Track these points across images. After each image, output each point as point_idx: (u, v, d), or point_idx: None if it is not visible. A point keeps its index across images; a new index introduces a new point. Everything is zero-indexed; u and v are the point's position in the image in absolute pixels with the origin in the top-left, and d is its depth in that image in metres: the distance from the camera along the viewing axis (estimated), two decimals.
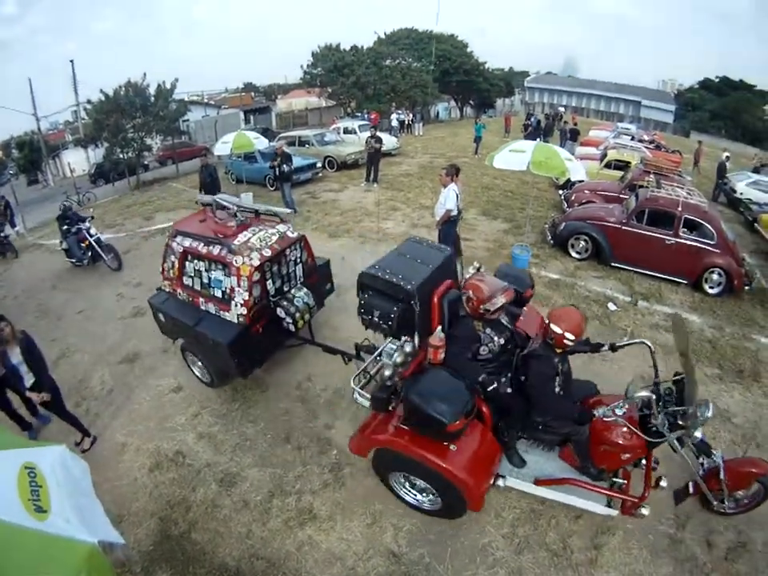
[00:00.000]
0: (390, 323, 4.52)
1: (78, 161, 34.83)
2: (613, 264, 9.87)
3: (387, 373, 4.59)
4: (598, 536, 4.52)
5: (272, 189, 17.44)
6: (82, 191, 22.88)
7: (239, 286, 5.82)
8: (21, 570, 2.26)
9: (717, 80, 64.38)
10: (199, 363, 6.74)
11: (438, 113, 55.31)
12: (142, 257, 12.36)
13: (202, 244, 6.19)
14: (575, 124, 26.13)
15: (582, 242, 10.20)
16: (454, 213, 8.75)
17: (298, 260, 6.74)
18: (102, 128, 23.59)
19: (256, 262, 5.82)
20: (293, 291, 6.50)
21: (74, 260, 11.67)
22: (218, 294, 6.18)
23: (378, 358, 5.31)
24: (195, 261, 6.36)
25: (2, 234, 14.00)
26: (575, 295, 8.55)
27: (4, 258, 13.87)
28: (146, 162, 29.74)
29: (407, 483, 4.80)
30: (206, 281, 6.30)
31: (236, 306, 5.93)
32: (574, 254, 10.36)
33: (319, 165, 18.93)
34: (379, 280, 4.56)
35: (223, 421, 6.26)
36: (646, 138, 25.67)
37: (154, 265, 11.33)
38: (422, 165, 20.73)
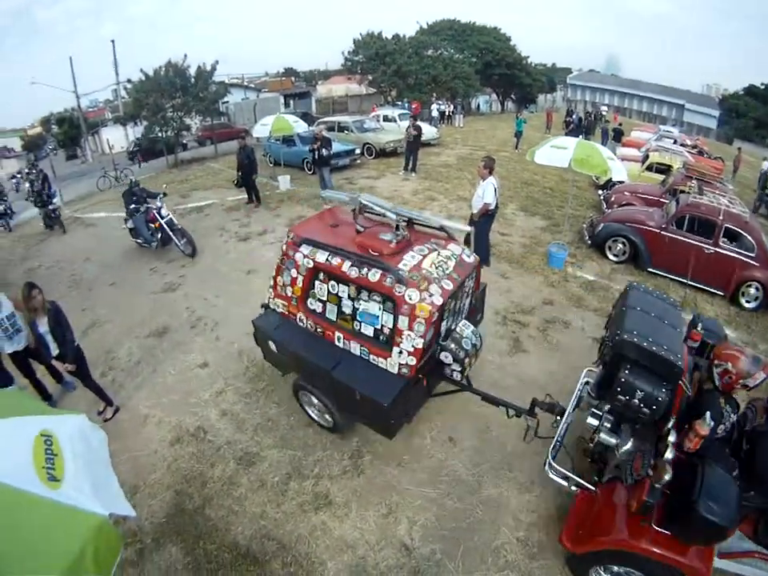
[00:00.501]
0: (654, 409, 3.64)
1: (116, 138, 35.36)
2: (649, 269, 9.49)
3: (662, 478, 3.30)
4: None
5: (309, 173, 17.33)
6: (120, 167, 23.15)
7: (411, 329, 4.37)
8: (29, 538, 2.16)
9: (763, 87, 61.97)
10: (320, 405, 5.37)
11: (478, 105, 54.72)
12: None
13: (350, 263, 4.67)
14: (620, 124, 25.49)
15: (620, 245, 9.84)
16: (492, 207, 8.56)
17: (470, 291, 5.45)
18: (142, 107, 23.81)
19: (438, 300, 4.39)
20: (459, 329, 5.06)
21: (140, 240, 11.01)
22: (368, 331, 4.79)
23: (565, 421, 4.52)
24: (333, 282, 4.92)
25: (51, 208, 14.00)
26: (610, 299, 8.21)
27: (51, 230, 14.03)
28: (184, 142, 30.01)
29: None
30: (347, 311, 4.88)
31: (401, 353, 4.49)
32: (610, 256, 10.00)
33: (358, 151, 18.78)
34: (644, 351, 3.68)
35: (247, 400, 6.16)
36: (688, 142, 24.78)
37: None
38: (461, 156, 20.43)
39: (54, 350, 5.54)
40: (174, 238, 10.60)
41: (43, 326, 5.40)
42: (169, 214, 10.74)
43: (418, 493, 4.83)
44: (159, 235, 10.60)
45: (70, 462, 2.50)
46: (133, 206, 10.72)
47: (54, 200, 14.24)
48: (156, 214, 10.52)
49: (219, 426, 5.78)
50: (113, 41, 35.59)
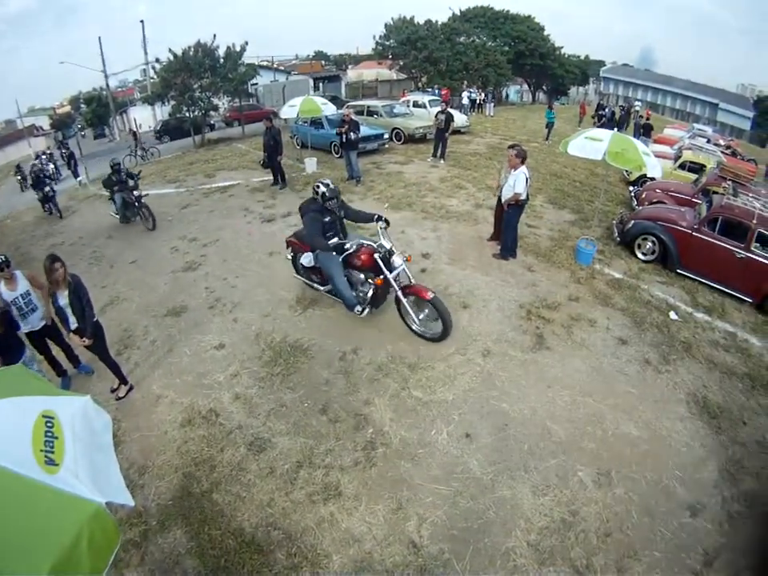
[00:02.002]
0: None
1: (144, 117, 35.69)
2: (678, 271, 9.12)
3: None
4: (624, 559, 4.11)
5: (337, 156, 17.14)
6: (147, 146, 23.30)
7: None
8: (22, 523, 2.08)
9: None
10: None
11: (508, 95, 53.94)
12: (200, 212, 12.45)
13: None
14: (647, 119, 24.89)
15: (650, 244, 9.48)
16: (523, 197, 8.35)
17: None
18: (170, 86, 23.88)
19: None
20: None
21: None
22: None
23: None
24: None
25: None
26: (637, 299, 7.96)
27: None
28: (212, 122, 30.11)
29: None
30: None
31: None
32: (639, 255, 9.65)
33: (386, 136, 18.50)
34: None
35: (261, 384, 6.06)
36: (721, 142, 24.04)
37: (211, 221, 11.52)
38: (490, 145, 20.02)
39: (73, 324, 5.51)
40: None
41: (64, 298, 5.36)
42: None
43: (431, 489, 4.68)
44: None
45: (70, 446, 2.42)
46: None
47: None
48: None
49: (231, 409, 5.70)
50: (142, 21, 36.15)
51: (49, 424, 2.43)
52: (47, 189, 14.53)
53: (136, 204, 11.63)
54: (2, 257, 5.64)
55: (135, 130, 27.67)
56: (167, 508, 4.58)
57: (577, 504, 4.49)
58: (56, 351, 6.38)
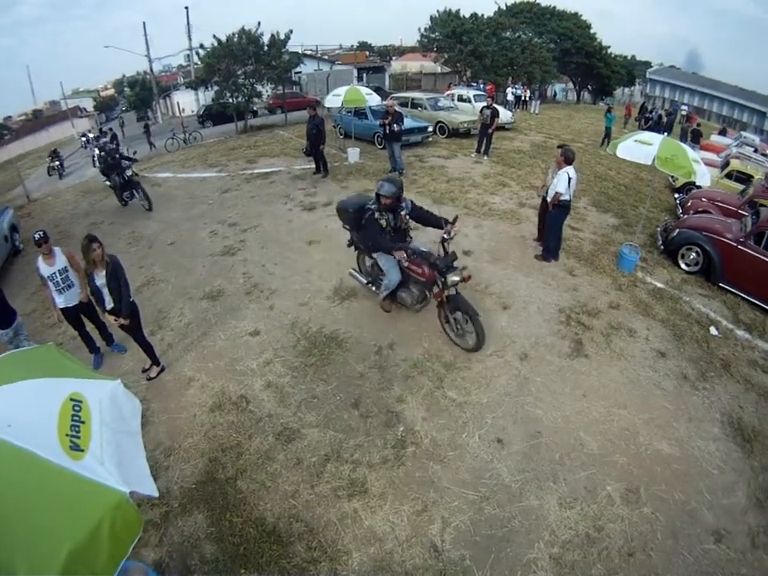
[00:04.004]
0: None
1: (187, 102, 36.18)
2: (721, 284, 8.76)
3: None
4: None
5: (380, 147, 17.06)
6: (189, 130, 23.54)
7: None
8: (42, 506, 2.05)
9: None
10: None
11: (555, 93, 53.04)
12: (240, 197, 12.50)
13: None
14: (698, 125, 24.04)
15: (694, 254, 9.12)
16: (566, 198, 8.12)
17: None
18: (213, 72, 24.12)
19: None
20: None
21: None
22: None
23: None
24: None
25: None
26: (678, 310, 7.69)
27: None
28: (254, 108, 30.31)
29: None
30: None
31: None
32: (682, 265, 9.31)
33: (430, 129, 18.27)
34: None
35: (294, 374, 6.02)
36: None
37: (251, 206, 11.57)
38: (535, 143, 19.66)
39: (109, 304, 5.54)
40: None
41: (101, 278, 5.39)
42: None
43: (458, 493, 4.58)
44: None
45: (96, 431, 2.38)
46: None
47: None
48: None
49: (262, 397, 5.68)
50: (186, 7, 36.49)
51: (76, 407, 2.40)
52: (129, 173, 12.22)
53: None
54: (41, 232, 5.72)
55: (179, 114, 28.03)
56: (190, 491, 4.59)
57: (603, 520, 4.35)
58: (90, 328, 6.46)
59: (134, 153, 13.82)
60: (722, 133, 22.50)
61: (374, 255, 6.58)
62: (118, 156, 12.37)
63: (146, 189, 12.42)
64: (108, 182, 12.55)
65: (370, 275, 7.27)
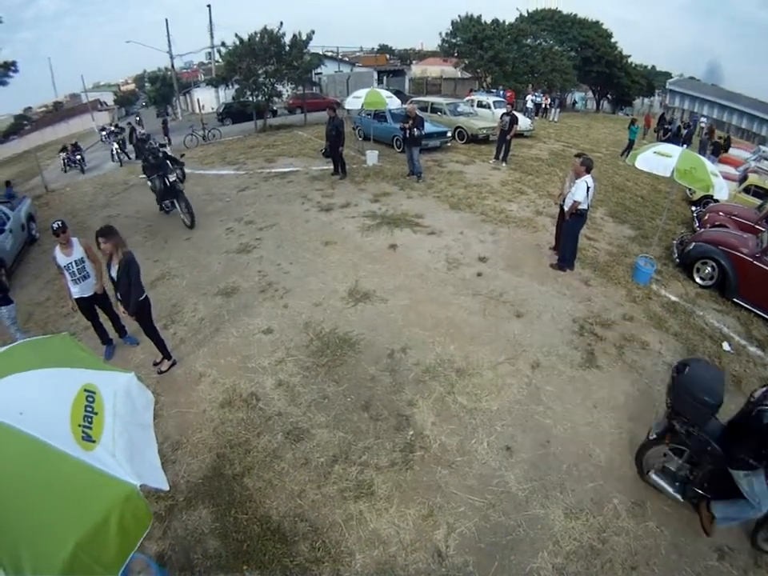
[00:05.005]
0: None
1: (207, 99, 36.44)
2: (735, 299, 8.66)
3: None
4: None
5: (398, 150, 17.09)
6: (209, 127, 23.69)
7: None
8: (50, 496, 2.05)
9: None
10: None
11: (574, 101, 52.78)
12: (258, 196, 12.57)
13: None
14: (720, 138, 23.74)
15: (709, 269, 9.04)
16: (583, 206, 8.08)
17: None
18: (234, 70, 24.22)
19: None
20: None
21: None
22: None
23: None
24: None
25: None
26: (691, 324, 7.62)
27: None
28: (274, 108, 30.45)
29: None
30: None
31: None
32: (697, 279, 9.22)
33: (449, 134, 18.28)
34: None
35: (306, 373, 6.03)
36: None
37: (268, 205, 11.60)
38: (553, 151, 19.60)
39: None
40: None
41: (115, 271, 5.46)
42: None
43: (464, 499, 4.55)
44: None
45: (109, 423, 2.38)
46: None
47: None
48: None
49: (273, 395, 5.69)
50: (209, 5, 36.79)
51: (90, 399, 2.41)
52: (172, 177, 10.80)
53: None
54: (59, 222, 5.78)
55: (199, 111, 28.23)
56: (196, 486, 4.61)
57: (608, 532, 4.30)
58: (103, 319, 6.53)
59: (182, 155, 13.04)
60: (727, 143, 22.30)
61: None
62: (161, 155, 11.47)
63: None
64: (149, 183, 11.76)
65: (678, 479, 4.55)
